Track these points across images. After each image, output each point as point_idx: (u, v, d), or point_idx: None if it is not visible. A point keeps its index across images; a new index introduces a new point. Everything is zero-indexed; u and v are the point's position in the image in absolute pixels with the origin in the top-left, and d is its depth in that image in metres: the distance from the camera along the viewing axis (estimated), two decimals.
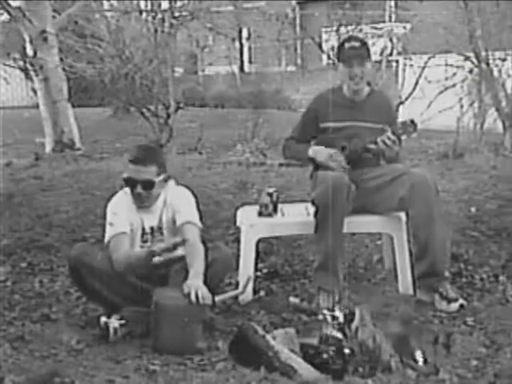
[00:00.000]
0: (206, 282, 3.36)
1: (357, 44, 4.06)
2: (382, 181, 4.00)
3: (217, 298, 3.42)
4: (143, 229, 3.68)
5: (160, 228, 3.70)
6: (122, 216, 3.63)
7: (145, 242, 3.69)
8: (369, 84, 4.17)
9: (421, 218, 3.83)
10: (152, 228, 3.69)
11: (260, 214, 4.15)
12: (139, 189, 3.60)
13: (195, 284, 3.32)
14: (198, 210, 3.74)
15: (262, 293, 4.11)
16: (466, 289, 4.13)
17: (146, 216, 3.68)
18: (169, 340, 3.28)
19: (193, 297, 3.27)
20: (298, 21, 17.34)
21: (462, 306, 3.79)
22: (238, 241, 4.33)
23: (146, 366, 3.10)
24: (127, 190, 3.70)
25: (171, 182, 3.76)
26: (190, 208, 3.69)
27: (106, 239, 3.62)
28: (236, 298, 3.83)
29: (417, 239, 3.90)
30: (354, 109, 4.08)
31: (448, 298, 3.81)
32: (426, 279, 3.90)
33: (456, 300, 3.81)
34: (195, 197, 3.78)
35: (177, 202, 3.67)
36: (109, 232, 3.62)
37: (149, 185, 3.61)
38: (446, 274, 3.94)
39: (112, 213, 3.66)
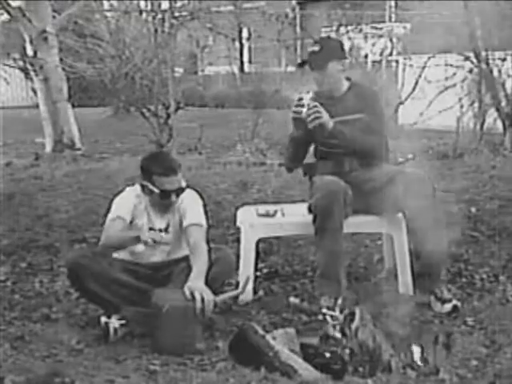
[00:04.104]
0: (208, 283, 3.36)
1: (316, 48, 4.08)
2: (377, 183, 3.98)
3: (217, 299, 3.42)
4: (151, 229, 3.68)
5: (166, 229, 3.70)
6: (125, 207, 3.63)
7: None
8: (348, 79, 4.16)
9: (416, 217, 3.82)
10: (160, 229, 3.69)
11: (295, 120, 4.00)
12: (173, 198, 3.61)
13: (198, 286, 3.32)
14: (205, 212, 3.75)
15: (261, 292, 4.12)
16: (465, 289, 4.13)
17: (156, 217, 3.68)
18: (168, 341, 3.28)
19: (198, 300, 3.26)
20: (298, 21, 17.33)
21: (455, 307, 3.78)
22: (238, 241, 4.33)
23: (146, 366, 3.09)
24: (136, 187, 3.70)
25: None
26: (197, 210, 3.69)
27: (106, 224, 3.63)
28: (236, 298, 3.83)
29: (413, 239, 3.90)
30: (334, 105, 4.05)
31: (442, 299, 3.82)
32: (423, 280, 3.90)
33: (450, 301, 3.81)
34: (202, 199, 3.78)
35: (185, 206, 3.67)
36: (109, 217, 3.63)
37: (181, 192, 3.63)
38: (443, 275, 3.94)
39: (117, 205, 3.67)
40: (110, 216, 3.63)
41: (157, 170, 3.58)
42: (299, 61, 4.51)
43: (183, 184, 3.65)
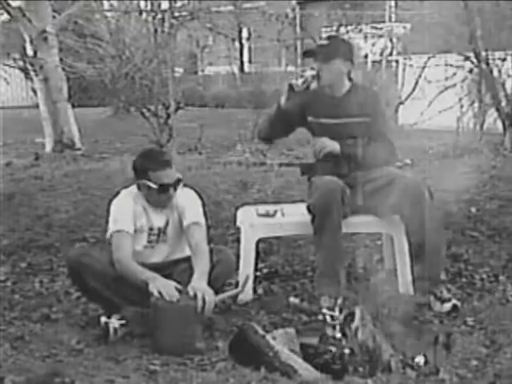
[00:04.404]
0: (209, 284, 3.37)
1: (325, 42, 4.12)
2: (376, 185, 3.99)
3: (216, 298, 3.42)
4: (151, 229, 3.68)
5: (165, 228, 3.70)
6: (127, 215, 3.61)
7: (150, 242, 3.69)
8: (350, 79, 4.15)
9: (412, 223, 3.83)
10: (159, 228, 3.69)
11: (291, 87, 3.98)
12: (172, 191, 3.61)
13: (201, 287, 3.33)
14: (205, 212, 3.75)
15: (260, 291, 4.12)
16: (466, 289, 4.13)
17: (155, 216, 3.68)
18: (168, 340, 3.28)
19: (200, 300, 3.27)
20: (298, 21, 17.33)
21: (455, 306, 3.79)
22: (238, 241, 4.33)
23: (146, 366, 3.09)
24: (131, 189, 3.70)
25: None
26: (197, 209, 3.69)
27: (108, 234, 3.60)
28: (236, 297, 3.83)
29: (411, 243, 3.91)
30: (335, 105, 4.05)
31: (442, 298, 3.82)
32: (422, 282, 3.90)
33: (449, 300, 3.81)
34: (201, 198, 3.78)
35: (183, 204, 3.66)
36: (112, 227, 3.59)
37: (178, 183, 3.64)
38: (442, 276, 3.94)
39: (117, 210, 3.64)
40: (112, 225, 3.60)
41: (152, 166, 3.59)
42: (305, 50, 4.51)
43: (179, 175, 3.65)
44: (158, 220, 3.68)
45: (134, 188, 3.70)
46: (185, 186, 3.76)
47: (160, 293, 3.31)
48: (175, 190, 3.62)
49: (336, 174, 3.99)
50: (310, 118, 4.11)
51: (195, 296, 3.29)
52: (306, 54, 4.23)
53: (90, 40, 12.00)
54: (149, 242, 3.68)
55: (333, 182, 3.89)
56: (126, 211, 3.62)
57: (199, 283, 3.35)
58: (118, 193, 3.77)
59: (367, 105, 4.07)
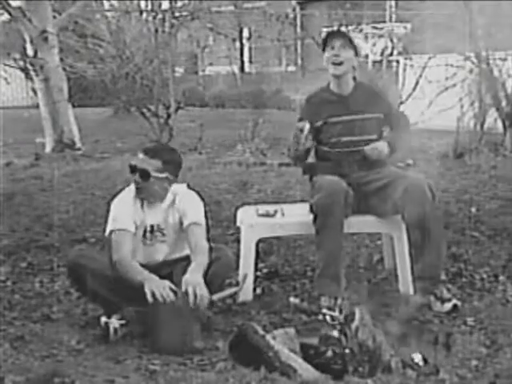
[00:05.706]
0: (207, 282, 3.37)
1: (337, 30, 4.14)
2: (378, 185, 4.00)
3: (215, 297, 3.42)
4: (144, 226, 3.69)
5: (161, 228, 3.70)
6: (126, 213, 3.63)
7: (145, 239, 3.70)
8: (354, 78, 4.17)
9: (414, 222, 3.83)
10: (152, 226, 3.70)
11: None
12: (137, 177, 3.65)
13: (193, 280, 3.33)
14: (205, 212, 3.75)
15: (258, 290, 4.12)
16: (466, 289, 4.13)
17: (149, 213, 3.69)
18: (166, 340, 3.28)
19: (190, 294, 3.27)
20: (298, 21, 17.37)
21: (455, 306, 3.79)
22: (238, 241, 4.33)
23: (146, 365, 3.09)
24: (132, 187, 3.72)
25: (182, 186, 3.78)
26: (198, 211, 3.71)
27: (107, 231, 3.62)
28: (235, 297, 3.83)
29: (412, 243, 3.91)
30: (342, 103, 4.08)
31: (442, 298, 3.82)
32: (422, 282, 3.90)
33: (449, 300, 3.81)
34: (202, 200, 3.78)
35: (185, 206, 3.68)
36: (111, 225, 3.62)
37: (145, 175, 3.63)
38: (442, 277, 3.94)
39: (116, 208, 3.67)
40: (111, 224, 3.62)
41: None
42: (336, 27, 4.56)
43: (150, 170, 3.63)
44: (152, 218, 3.69)
45: (133, 186, 3.73)
46: (188, 187, 3.79)
47: (154, 294, 3.31)
48: (141, 178, 3.62)
49: (338, 173, 3.99)
50: (319, 123, 4.09)
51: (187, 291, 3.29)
52: (333, 33, 4.17)
53: (91, 40, 12.00)
54: (144, 238, 3.69)
55: (337, 183, 3.89)
56: (126, 209, 3.65)
57: (193, 276, 3.35)
58: (120, 191, 3.79)
59: (377, 100, 4.13)
